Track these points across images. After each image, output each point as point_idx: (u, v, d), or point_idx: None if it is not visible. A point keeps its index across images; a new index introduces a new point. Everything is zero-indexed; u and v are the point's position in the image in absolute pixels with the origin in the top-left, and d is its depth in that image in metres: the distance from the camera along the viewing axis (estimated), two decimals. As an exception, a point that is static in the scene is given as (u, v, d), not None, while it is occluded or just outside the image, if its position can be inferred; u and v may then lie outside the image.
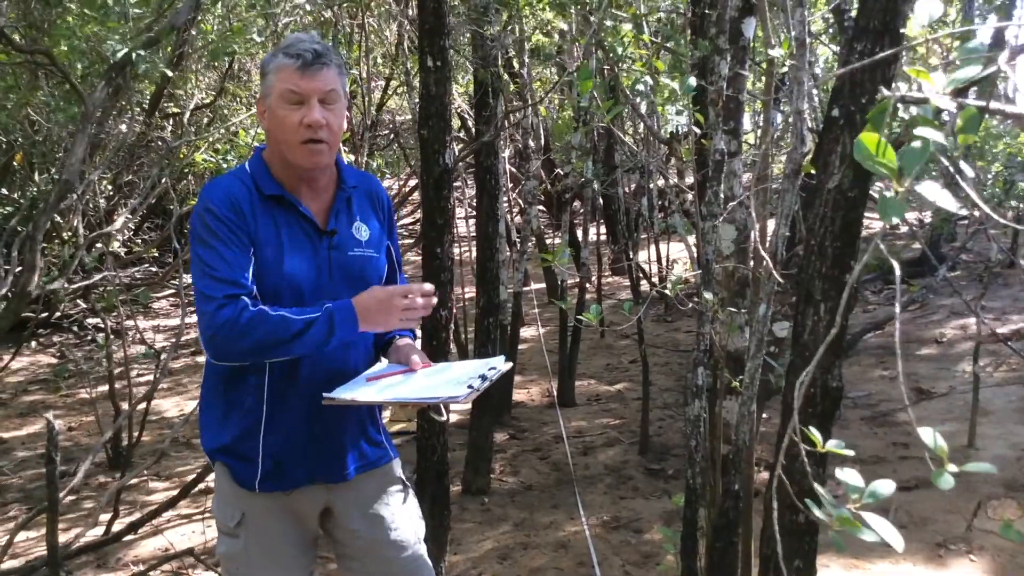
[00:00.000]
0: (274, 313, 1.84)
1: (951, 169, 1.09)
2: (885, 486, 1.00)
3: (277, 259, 1.93)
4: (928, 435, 0.96)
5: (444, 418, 2.05)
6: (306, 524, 2.10)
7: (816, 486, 1.03)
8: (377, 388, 1.95)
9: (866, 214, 2.27)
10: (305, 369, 1.97)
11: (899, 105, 1.06)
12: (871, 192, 2.24)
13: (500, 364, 2.02)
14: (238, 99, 8.97)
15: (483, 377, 1.91)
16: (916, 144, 0.96)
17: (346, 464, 2.08)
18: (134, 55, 3.04)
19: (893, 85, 2.09)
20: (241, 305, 1.83)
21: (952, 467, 0.94)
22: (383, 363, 2.15)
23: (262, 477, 1.99)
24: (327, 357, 1.98)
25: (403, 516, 2.17)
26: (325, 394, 1.92)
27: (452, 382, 1.91)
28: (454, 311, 3.63)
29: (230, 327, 1.82)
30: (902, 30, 2.08)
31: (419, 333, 2.32)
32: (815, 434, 1.07)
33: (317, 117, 1.90)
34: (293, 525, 2.07)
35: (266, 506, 2.03)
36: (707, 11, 3.58)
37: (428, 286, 1.98)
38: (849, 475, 1.00)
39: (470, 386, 1.84)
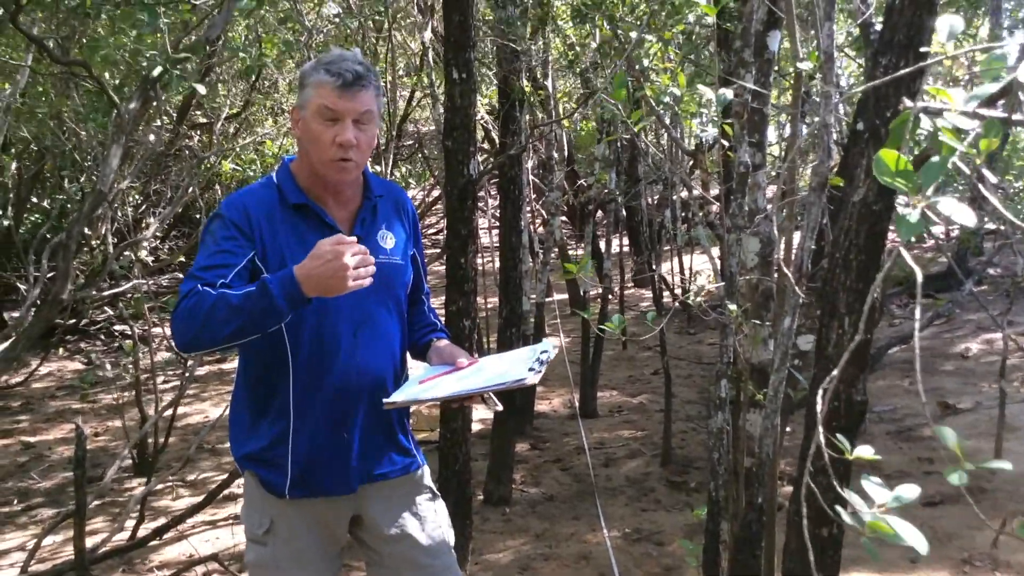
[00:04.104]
0: (215, 292, 1.81)
1: (974, 180, 1.10)
2: (909, 491, 1.00)
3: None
4: (946, 434, 0.97)
5: (500, 408, 2.09)
6: (334, 532, 2.11)
7: (848, 492, 1.04)
8: (436, 387, 1.98)
9: (891, 227, 2.27)
10: (331, 376, 2.00)
11: (923, 117, 1.07)
12: (896, 205, 2.24)
13: (550, 347, 2.06)
14: (264, 109, 9.07)
15: (540, 361, 1.95)
16: (935, 159, 0.97)
17: (373, 470, 2.10)
18: (169, 70, 3.09)
19: (918, 97, 2.09)
20: (192, 293, 1.82)
21: (968, 465, 0.95)
22: (421, 368, 2.18)
23: (291, 484, 2.00)
24: (352, 363, 2.01)
25: (433, 523, 2.18)
26: (385, 400, 1.95)
27: (510, 369, 1.95)
28: (477, 321, 3.65)
29: (179, 316, 1.82)
30: (924, 49, 2.09)
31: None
32: (843, 442, 1.07)
33: (349, 137, 1.92)
34: (322, 532, 2.08)
35: (295, 513, 2.04)
36: (733, 24, 3.59)
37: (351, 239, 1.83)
38: (872, 484, 1.01)
39: (531, 368, 1.88)
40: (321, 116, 1.94)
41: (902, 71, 2.05)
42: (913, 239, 1.08)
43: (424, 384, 2.03)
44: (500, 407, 2.06)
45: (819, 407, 1.07)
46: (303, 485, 2.01)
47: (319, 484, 2.03)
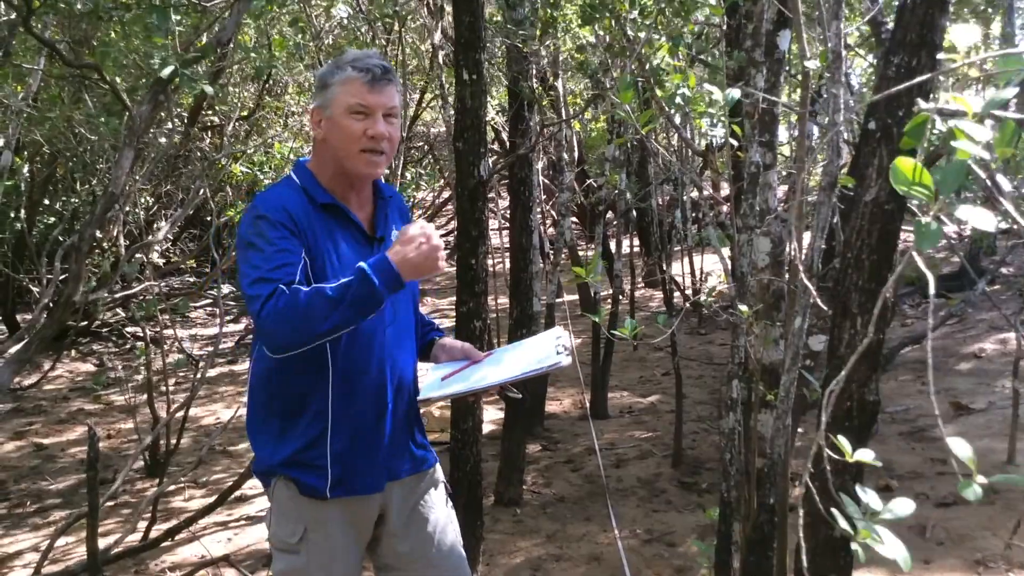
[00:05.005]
0: (306, 288, 1.81)
1: (988, 183, 1.09)
2: (904, 506, 1.00)
3: (335, 266, 1.97)
4: (958, 446, 0.96)
5: (520, 396, 2.14)
6: (363, 533, 2.11)
7: (841, 496, 1.03)
8: (465, 380, 2.02)
9: (904, 227, 2.26)
10: (368, 373, 2.01)
11: (936, 118, 1.06)
12: (908, 205, 2.23)
13: (562, 332, 2.11)
14: (275, 112, 9.09)
15: (563, 345, 2.01)
16: (952, 161, 0.96)
17: (399, 467, 2.11)
18: (180, 72, 3.11)
19: (931, 97, 2.08)
20: (279, 293, 1.80)
21: (981, 478, 0.94)
22: (437, 368, 2.21)
23: (332, 483, 1.99)
24: (385, 358, 2.04)
25: (446, 519, 2.20)
26: (420, 397, 1.99)
27: (538, 356, 2.00)
28: (488, 322, 3.66)
29: (274, 318, 1.79)
30: (941, 56, 2.07)
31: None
32: (843, 443, 1.07)
33: (381, 130, 1.96)
34: (353, 535, 2.08)
35: (332, 515, 2.03)
36: (743, 24, 3.58)
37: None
38: (869, 495, 1.00)
39: (559, 352, 1.95)
40: (352, 112, 1.96)
41: (915, 75, 2.04)
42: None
43: (448, 379, 2.05)
44: (520, 395, 2.09)
45: (825, 409, 1.07)
46: (343, 484, 2.01)
47: (357, 482, 2.03)
